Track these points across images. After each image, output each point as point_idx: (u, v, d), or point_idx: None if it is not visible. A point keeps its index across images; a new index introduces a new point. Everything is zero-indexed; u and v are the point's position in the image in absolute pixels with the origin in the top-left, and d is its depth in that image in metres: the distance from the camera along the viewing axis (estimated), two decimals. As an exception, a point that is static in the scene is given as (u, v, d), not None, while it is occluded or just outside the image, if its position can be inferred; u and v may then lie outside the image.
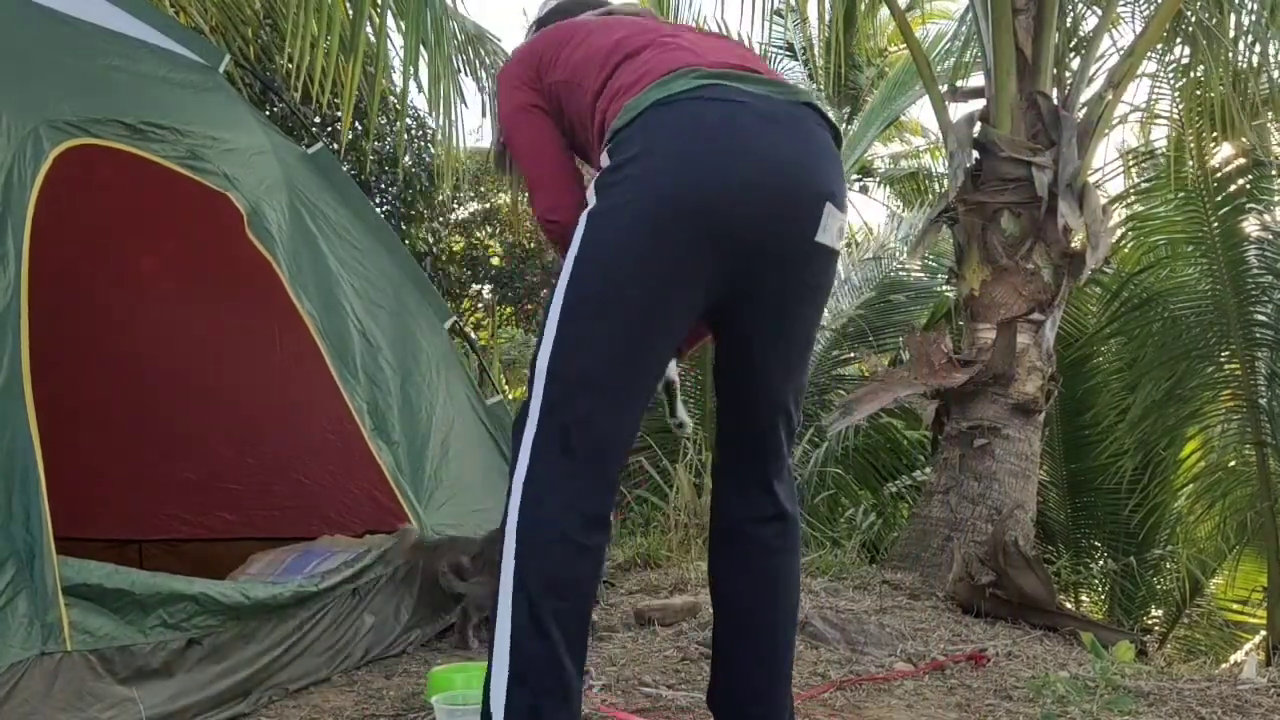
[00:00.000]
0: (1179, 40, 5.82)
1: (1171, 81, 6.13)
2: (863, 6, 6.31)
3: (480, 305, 9.62)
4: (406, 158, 7.36)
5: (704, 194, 1.60)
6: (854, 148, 10.38)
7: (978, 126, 4.90)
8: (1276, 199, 7.26)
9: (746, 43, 8.39)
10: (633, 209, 1.61)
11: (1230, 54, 5.49)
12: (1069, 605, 6.09)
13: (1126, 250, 7.75)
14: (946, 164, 5.10)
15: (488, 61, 6.63)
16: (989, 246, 4.76)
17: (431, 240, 8.16)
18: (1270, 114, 5.75)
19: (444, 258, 8.58)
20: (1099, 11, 5.62)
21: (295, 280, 2.81)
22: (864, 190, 14.40)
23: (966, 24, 6.51)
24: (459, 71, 5.48)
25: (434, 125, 6.34)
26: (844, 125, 13.12)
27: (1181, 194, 7.04)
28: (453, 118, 4.39)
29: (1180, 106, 6.06)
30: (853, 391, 5.16)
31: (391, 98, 5.95)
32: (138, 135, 2.46)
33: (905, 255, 9.27)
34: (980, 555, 3.93)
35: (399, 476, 2.91)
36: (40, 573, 1.89)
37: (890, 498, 7.38)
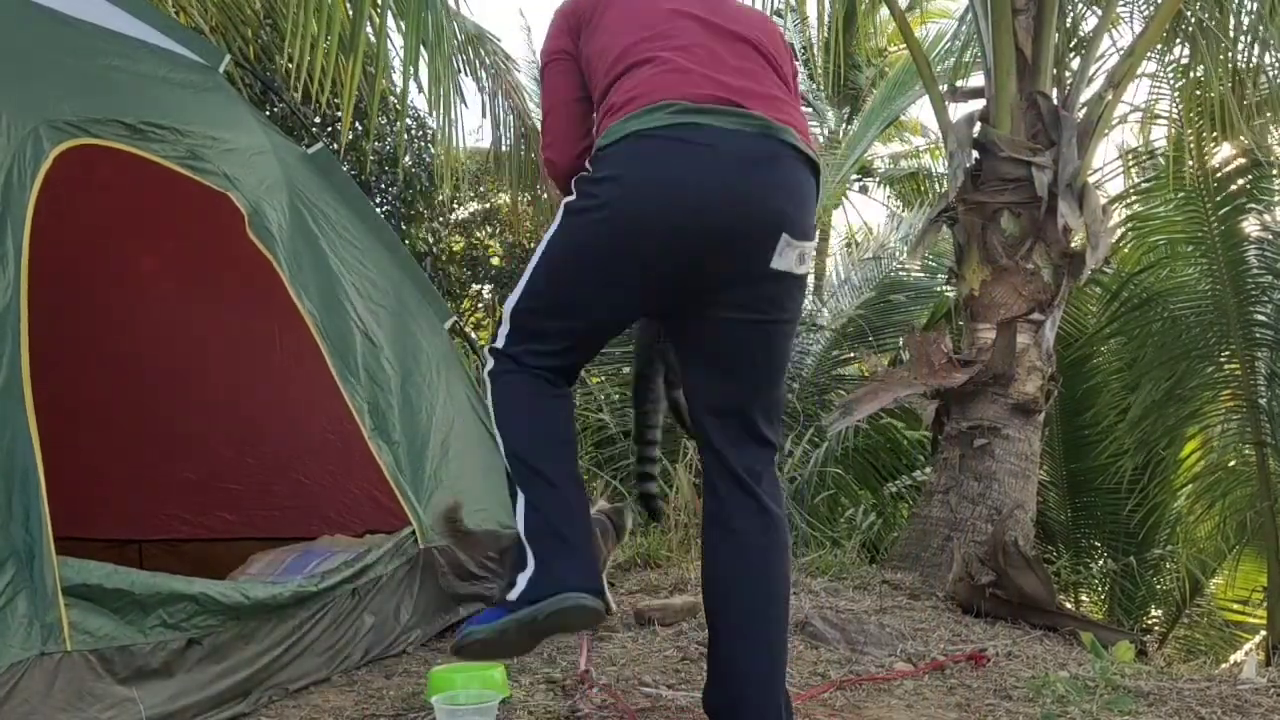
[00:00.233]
0: (1179, 40, 5.82)
1: (1171, 81, 6.13)
2: (863, 6, 6.31)
3: (480, 305, 9.62)
4: (406, 158, 7.37)
5: (649, 229, 1.87)
6: (854, 148, 10.38)
7: (978, 126, 4.90)
8: (1276, 199, 7.26)
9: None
10: (595, 223, 1.92)
11: (1230, 54, 5.49)
12: (1069, 605, 6.09)
13: (1126, 250, 7.75)
14: (946, 164, 5.10)
15: (488, 62, 6.64)
16: (989, 246, 4.76)
17: (431, 240, 8.16)
18: (1269, 114, 5.75)
19: (444, 258, 8.58)
20: (1099, 11, 5.63)
21: (296, 280, 2.81)
22: (864, 190, 14.41)
23: (966, 24, 6.51)
24: (459, 72, 5.49)
25: (434, 125, 6.34)
26: (844, 125, 13.14)
27: (1181, 194, 7.04)
28: (453, 118, 4.39)
29: (1180, 106, 6.06)
30: (853, 391, 5.16)
31: (391, 98, 5.96)
32: (138, 135, 2.46)
33: (905, 255, 9.27)
34: (980, 555, 3.93)
35: (399, 476, 2.90)
36: (40, 573, 1.89)
37: (890, 498, 7.38)
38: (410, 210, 7.80)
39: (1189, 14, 5.50)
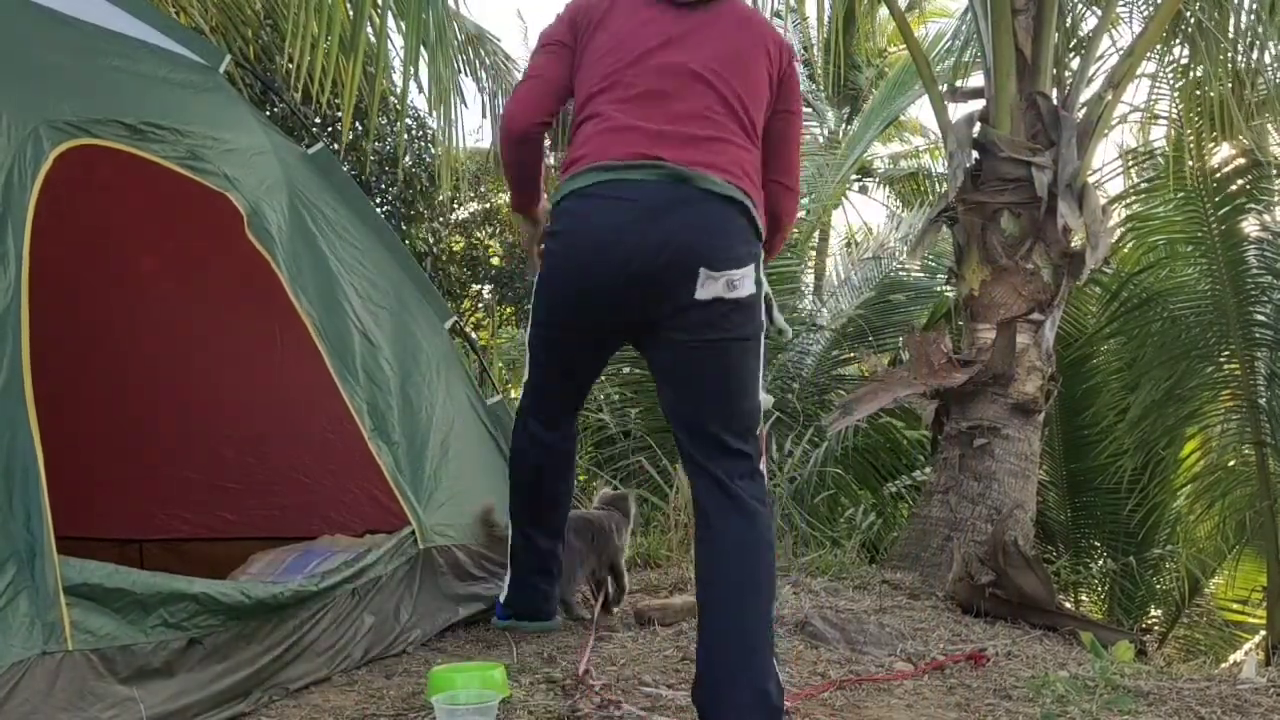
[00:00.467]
0: (1178, 40, 5.82)
1: (1171, 81, 6.13)
2: (862, 6, 6.31)
3: (480, 305, 9.61)
4: (407, 158, 7.36)
5: (585, 275, 2.24)
6: (854, 148, 10.38)
7: (977, 126, 4.90)
8: (1276, 199, 7.26)
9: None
10: (551, 269, 2.37)
11: (1229, 54, 5.49)
12: (1069, 605, 6.09)
13: (1126, 250, 7.76)
14: (946, 164, 5.11)
15: (488, 62, 6.64)
16: (989, 246, 4.76)
17: (431, 240, 8.16)
18: (1269, 114, 5.75)
19: (444, 258, 8.57)
20: (1099, 12, 5.63)
21: (295, 280, 2.81)
22: (864, 190, 14.41)
23: (966, 24, 6.52)
24: (459, 72, 5.48)
25: (434, 126, 6.34)
26: (844, 125, 13.14)
27: (1181, 194, 7.05)
28: (453, 118, 4.38)
29: (1180, 106, 6.06)
30: (853, 391, 5.16)
31: (392, 98, 5.96)
32: (138, 135, 2.46)
33: (905, 255, 9.27)
34: (980, 555, 3.94)
35: (398, 477, 2.91)
36: (41, 572, 1.89)
37: (890, 498, 7.38)
38: (410, 210, 7.79)
39: (1189, 14, 5.50)
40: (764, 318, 2.27)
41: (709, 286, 2.11)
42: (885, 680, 2.68)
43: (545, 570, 2.85)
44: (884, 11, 7.92)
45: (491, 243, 9.38)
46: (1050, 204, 4.67)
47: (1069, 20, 5.69)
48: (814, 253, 11.67)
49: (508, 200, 3.58)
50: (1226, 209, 7.08)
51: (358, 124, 5.74)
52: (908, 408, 6.15)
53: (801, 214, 9.16)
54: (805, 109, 8.96)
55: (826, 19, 5.93)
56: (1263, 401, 7.03)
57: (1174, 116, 6.25)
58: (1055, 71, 5.01)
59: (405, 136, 7.26)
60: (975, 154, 4.89)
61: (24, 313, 2.04)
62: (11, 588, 1.85)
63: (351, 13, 4.25)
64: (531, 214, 2.69)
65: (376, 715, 2.30)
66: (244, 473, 3.71)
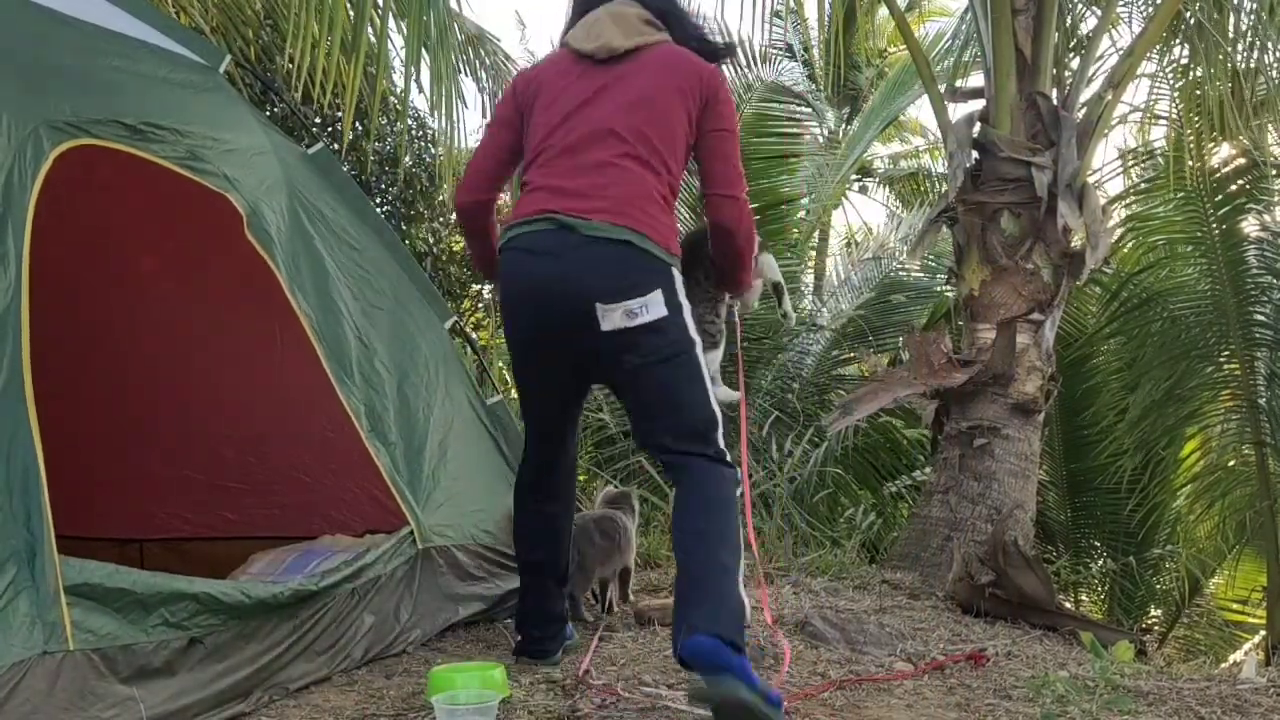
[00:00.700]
0: (1178, 40, 5.82)
1: (1171, 81, 6.13)
2: (863, 5, 6.31)
3: (480, 305, 9.60)
4: (407, 158, 7.36)
5: (511, 322, 2.55)
6: (853, 148, 10.38)
7: (977, 126, 4.91)
8: (1276, 199, 7.26)
9: (744, 44, 8.40)
10: (504, 325, 2.62)
11: (1229, 54, 5.49)
12: (1069, 605, 6.09)
13: (1126, 250, 7.76)
14: (946, 164, 5.11)
15: (488, 62, 6.64)
16: (989, 246, 4.76)
17: (432, 240, 8.15)
18: (1269, 115, 5.75)
19: (444, 258, 8.56)
20: (1099, 12, 5.63)
21: (294, 281, 2.81)
22: (864, 190, 14.40)
23: (966, 24, 6.51)
24: (459, 72, 5.48)
25: (434, 126, 6.34)
26: (844, 125, 13.13)
27: (1181, 194, 7.04)
28: (454, 118, 4.37)
29: (1180, 107, 6.06)
30: (853, 391, 5.16)
31: (392, 98, 5.96)
32: (138, 136, 2.46)
33: (905, 255, 9.27)
34: (980, 555, 3.94)
35: (396, 477, 2.91)
36: (42, 572, 1.89)
37: (890, 498, 7.38)
38: (410, 210, 7.79)
39: (1189, 14, 5.50)
40: (705, 325, 2.59)
41: (610, 318, 2.35)
42: (885, 680, 2.68)
43: (547, 608, 2.80)
44: (884, 11, 7.93)
45: (492, 243, 9.35)
46: (1050, 204, 4.68)
47: (1069, 20, 5.69)
48: (814, 253, 11.67)
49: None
50: (1226, 209, 7.08)
51: (358, 124, 5.74)
52: (908, 408, 6.15)
53: (801, 214, 9.17)
54: (805, 109, 9.01)
55: (826, 19, 5.93)
56: (1263, 401, 7.02)
57: (1174, 116, 6.25)
58: (1055, 71, 5.01)
59: (406, 137, 7.26)
60: (975, 154, 4.89)
61: (24, 313, 2.04)
62: (12, 588, 1.85)
63: (352, 14, 4.24)
64: (493, 278, 2.93)
65: (376, 715, 2.30)
66: (244, 472, 3.71)
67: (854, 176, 12.95)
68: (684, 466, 2.40)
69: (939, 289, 8.46)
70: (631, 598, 3.43)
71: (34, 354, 2.05)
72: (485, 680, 2.26)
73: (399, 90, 4.98)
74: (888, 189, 14.30)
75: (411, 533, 2.88)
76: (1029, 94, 4.82)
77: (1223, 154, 6.91)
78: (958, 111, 5.12)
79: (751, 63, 8.58)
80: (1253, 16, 5.50)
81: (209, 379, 3.64)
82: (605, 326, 2.36)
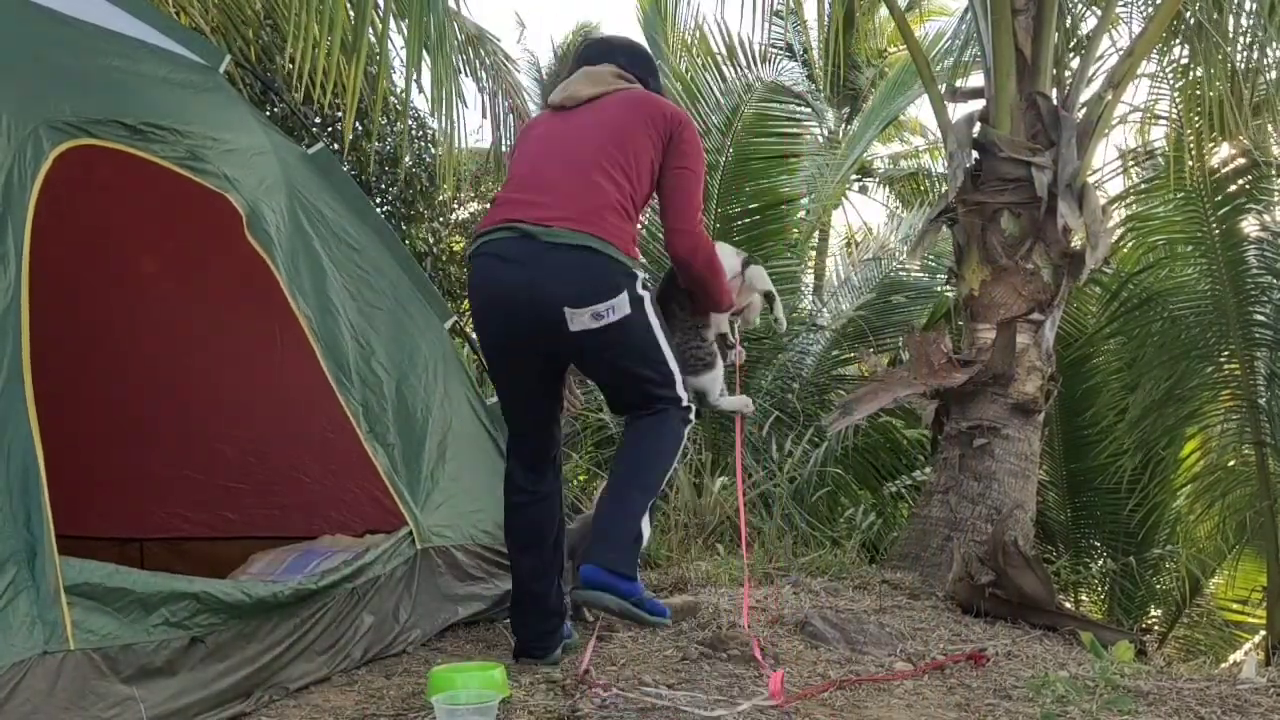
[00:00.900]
0: (1178, 40, 5.82)
1: (1171, 81, 6.13)
2: (863, 5, 6.31)
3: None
4: (407, 158, 7.37)
5: (482, 328, 2.73)
6: (853, 148, 10.38)
7: (977, 126, 4.90)
8: (1276, 199, 7.26)
9: (744, 44, 8.41)
10: (474, 324, 2.79)
11: (1229, 54, 5.48)
12: (1069, 605, 6.10)
13: (1126, 250, 7.75)
14: (946, 164, 5.11)
15: (488, 62, 6.65)
16: (989, 246, 4.76)
17: (432, 240, 8.16)
18: (1269, 114, 5.75)
19: (444, 258, 8.57)
20: (1099, 12, 5.62)
21: (293, 281, 2.81)
22: (864, 190, 14.41)
23: (966, 24, 6.50)
24: (459, 72, 5.49)
25: (434, 126, 6.34)
26: (844, 125, 13.14)
27: (1181, 194, 7.04)
28: (454, 118, 4.37)
29: (1180, 107, 6.06)
30: (852, 391, 5.16)
31: (392, 98, 5.96)
32: (138, 136, 2.46)
33: (905, 255, 9.27)
34: (980, 555, 3.94)
35: (395, 478, 2.91)
36: (42, 572, 1.89)
37: (890, 498, 7.38)
38: (410, 210, 7.80)
39: (1188, 14, 5.50)
40: (690, 351, 2.82)
41: (578, 320, 2.51)
42: (885, 680, 2.68)
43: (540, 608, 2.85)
44: (884, 11, 7.93)
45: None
46: (1050, 204, 4.67)
47: (1069, 20, 5.68)
48: (814, 253, 11.67)
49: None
50: (1226, 209, 7.07)
51: (358, 124, 5.75)
52: (908, 408, 6.15)
53: (801, 214, 9.17)
54: (805, 109, 9.00)
55: (826, 19, 5.93)
56: (1263, 401, 7.02)
57: (1174, 116, 6.25)
58: (1055, 71, 5.00)
59: (406, 137, 7.27)
60: (975, 154, 4.89)
61: (24, 313, 2.04)
62: (12, 588, 1.86)
63: (353, 15, 4.24)
64: None
65: (376, 715, 2.30)
66: (244, 472, 3.71)
67: (854, 176, 12.96)
68: (634, 420, 2.66)
69: (939, 289, 8.45)
70: None
71: (34, 354, 2.05)
72: (485, 680, 2.26)
73: (399, 90, 4.98)
74: (888, 189, 14.30)
75: (410, 533, 2.88)
76: (1029, 94, 4.82)
77: (1222, 154, 6.90)
78: (958, 111, 5.12)
79: (751, 63, 8.57)
80: (1252, 17, 5.49)
81: (209, 379, 3.65)
82: (574, 328, 2.53)
